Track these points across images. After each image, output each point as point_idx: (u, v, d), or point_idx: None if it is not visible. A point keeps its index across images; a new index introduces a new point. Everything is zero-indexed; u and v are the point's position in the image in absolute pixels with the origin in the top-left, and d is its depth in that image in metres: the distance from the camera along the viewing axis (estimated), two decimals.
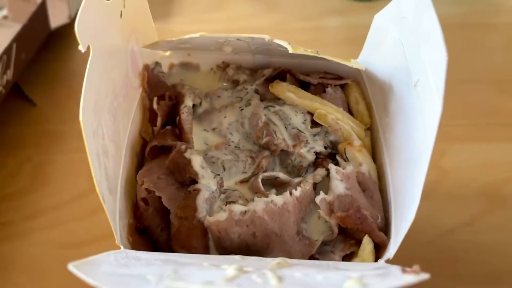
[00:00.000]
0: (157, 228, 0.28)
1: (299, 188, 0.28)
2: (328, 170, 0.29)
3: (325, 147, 0.31)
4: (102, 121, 0.25)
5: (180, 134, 0.31)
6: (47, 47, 0.49)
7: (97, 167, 0.24)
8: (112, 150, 0.27)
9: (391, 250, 0.25)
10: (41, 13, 0.45)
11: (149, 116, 0.32)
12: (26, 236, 0.36)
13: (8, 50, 0.41)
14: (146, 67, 0.33)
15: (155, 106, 0.32)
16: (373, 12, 0.32)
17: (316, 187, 0.29)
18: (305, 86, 0.35)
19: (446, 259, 0.34)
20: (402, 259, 0.23)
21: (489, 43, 0.52)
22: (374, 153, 0.32)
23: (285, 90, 0.32)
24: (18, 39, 0.42)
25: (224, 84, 0.36)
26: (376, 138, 0.32)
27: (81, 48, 0.23)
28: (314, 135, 0.31)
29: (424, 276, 0.17)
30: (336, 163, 0.30)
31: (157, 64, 0.34)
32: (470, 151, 0.41)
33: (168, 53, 0.37)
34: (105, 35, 0.27)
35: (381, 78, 0.31)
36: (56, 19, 0.48)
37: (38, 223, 0.37)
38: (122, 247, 0.25)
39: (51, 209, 0.38)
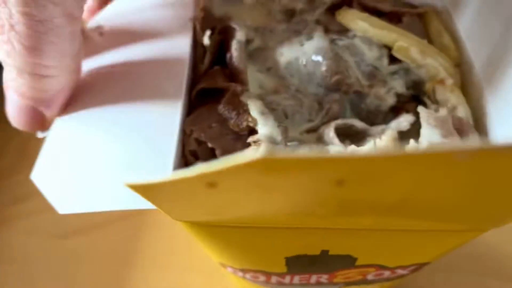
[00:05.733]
0: None
1: (383, 137, 0.23)
2: (415, 115, 0.24)
3: (407, 88, 0.26)
4: None
5: (233, 75, 0.25)
6: None
7: None
8: None
9: None
10: None
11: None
12: (13, 222, 0.33)
13: None
14: None
15: (206, 41, 0.26)
16: None
17: (400, 138, 0.24)
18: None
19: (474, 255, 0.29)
20: None
21: None
22: (465, 96, 0.26)
23: (356, 18, 0.26)
24: None
25: (276, 16, 0.30)
26: (468, 77, 0.26)
27: None
28: (393, 74, 0.26)
29: None
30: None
31: None
32: None
33: None
34: None
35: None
36: None
37: (26, 207, 0.33)
38: None
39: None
